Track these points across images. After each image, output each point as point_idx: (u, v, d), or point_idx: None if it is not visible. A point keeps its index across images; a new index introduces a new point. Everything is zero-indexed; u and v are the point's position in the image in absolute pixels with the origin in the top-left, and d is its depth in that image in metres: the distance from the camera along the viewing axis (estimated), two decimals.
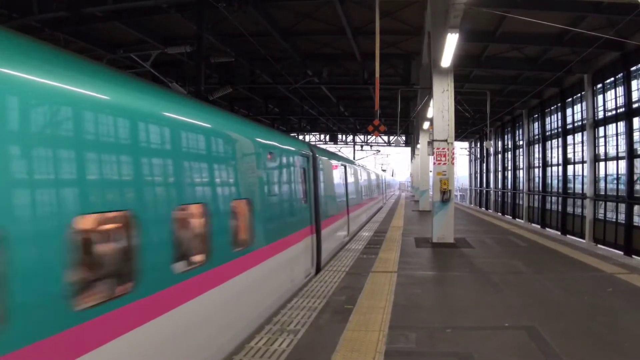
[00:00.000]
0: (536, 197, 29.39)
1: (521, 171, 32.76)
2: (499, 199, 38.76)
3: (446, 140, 12.72)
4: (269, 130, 8.50)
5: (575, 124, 23.40)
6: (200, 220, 4.78)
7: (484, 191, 44.69)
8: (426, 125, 23.49)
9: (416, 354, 4.91)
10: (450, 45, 11.25)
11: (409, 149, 49.77)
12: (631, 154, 17.58)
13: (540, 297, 7.17)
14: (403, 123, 31.58)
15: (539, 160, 29.15)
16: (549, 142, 27.49)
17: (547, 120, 27.73)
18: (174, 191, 4.32)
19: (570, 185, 24.43)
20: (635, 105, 17.59)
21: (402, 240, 13.76)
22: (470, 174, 53.68)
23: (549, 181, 27.57)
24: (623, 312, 6.37)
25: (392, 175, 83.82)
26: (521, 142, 32.73)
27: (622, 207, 18.25)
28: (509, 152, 36.39)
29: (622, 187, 18.70)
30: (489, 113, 24.05)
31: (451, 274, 9.24)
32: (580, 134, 22.81)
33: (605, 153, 20.16)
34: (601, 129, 20.43)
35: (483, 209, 40.85)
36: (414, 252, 11.71)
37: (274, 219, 7.14)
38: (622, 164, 18.48)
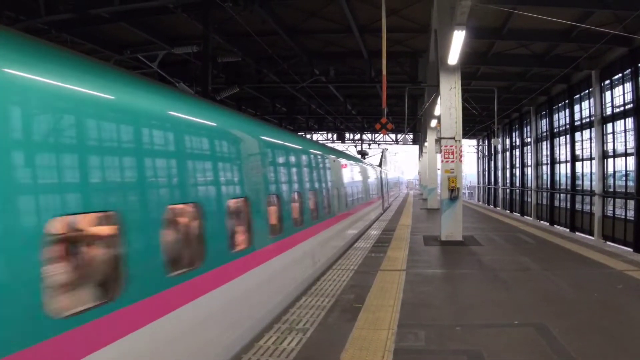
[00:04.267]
0: (544, 194, 29.23)
1: (529, 168, 32.57)
2: (507, 197, 38.58)
3: (454, 138, 12.69)
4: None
5: (584, 121, 23.23)
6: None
7: (492, 189, 44.50)
8: (434, 123, 23.41)
9: (426, 352, 4.91)
10: (457, 42, 11.20)
11: (416, 147, 49.60)
12: None
13: (549, 294, 7.15)
14: (410, 121, 31.47)
15: (547, 157, 28.97)
16: (557, 139, 27.31)
17: (555, 117, 27.53)
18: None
19: (579, 182, 24.28)
20: None
21: (411, 238, 13.74)
22: (478, 172, 53.50)
23: (557, 178, 27.42)
24: (633, 309, 6.33)
25: (382, 165, 43.44)
26: (529, 139, 32.53)
27: (631, 203, 18.11)
28: (517, 150, 36.18)
29: (630, 183, 18.55)
30: (496, 110, 23.89)
31: (460, 272, 9.22)
32: (588, 130, 22.65)
33: (614, 149, 20.02)
34: (609, 126, 20.29)
35: (491, 206, 40.70)
36: (422, 250, 11.71)
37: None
38: (631, 160, 18.33)
